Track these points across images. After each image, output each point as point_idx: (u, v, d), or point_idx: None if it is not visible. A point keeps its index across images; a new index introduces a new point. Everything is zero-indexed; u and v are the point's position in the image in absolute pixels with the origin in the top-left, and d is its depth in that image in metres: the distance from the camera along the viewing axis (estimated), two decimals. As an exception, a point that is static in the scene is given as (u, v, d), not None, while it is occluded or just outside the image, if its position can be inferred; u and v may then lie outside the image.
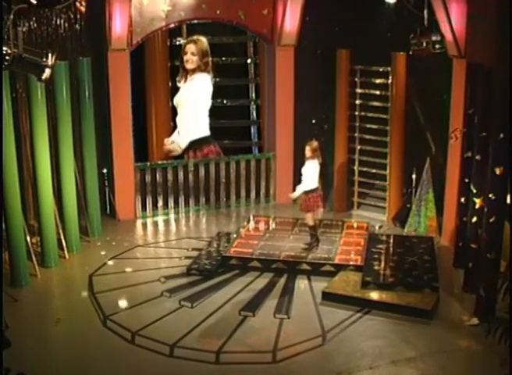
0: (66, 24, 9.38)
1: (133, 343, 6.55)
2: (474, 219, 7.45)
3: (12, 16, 6.36)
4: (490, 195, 6.80)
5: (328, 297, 7.39)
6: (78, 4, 9.02)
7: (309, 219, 8.53)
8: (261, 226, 9.55)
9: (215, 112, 10.64)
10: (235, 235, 9.17)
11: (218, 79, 10.69)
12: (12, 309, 6.99)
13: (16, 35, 6.32)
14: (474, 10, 7.74)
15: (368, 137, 10.31)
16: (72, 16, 9.38)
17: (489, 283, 6.79)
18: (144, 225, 10.23)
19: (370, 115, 10.21)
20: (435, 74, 9.44)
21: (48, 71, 6.53)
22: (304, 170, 8.41)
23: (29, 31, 8.75)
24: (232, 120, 11.56)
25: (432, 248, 8.64)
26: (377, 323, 6.93)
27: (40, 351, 6.42)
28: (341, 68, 10.18)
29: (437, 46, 8.55)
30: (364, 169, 10.49)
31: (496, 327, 6.01)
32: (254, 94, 11.64)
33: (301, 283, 7.92)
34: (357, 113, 10.33)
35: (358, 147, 10.43)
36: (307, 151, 8.37)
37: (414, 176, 9.72)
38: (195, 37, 10.43)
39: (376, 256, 8.35)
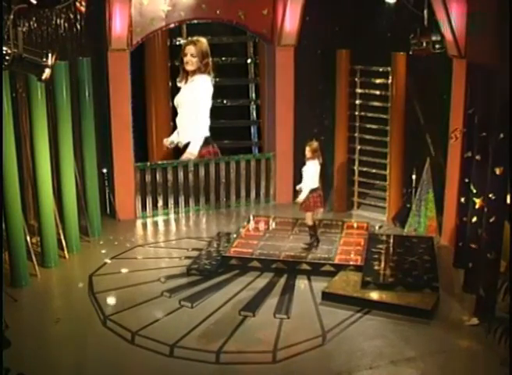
0: (66, 24, 9.38)
1: (133, 343, 6.53)
2: (474, 219, 7.44)
3: (12, 16, 6.36)
4: (490, 195, 6.79)
5: (328, 297, 7.38)
6: (78, 4, 9.01)
7: (308, 219, 8.52)
8: (261, 226, 9.53)
9: (215, 112, 10.67)
10: (235, 235, 9.16)
11: (218, 79, 10.73)
12: (12, 309, 6.98)
13: (16, 35, 6.30)
14: (475, 10, 7.74)
15: (368, 137, 10.29)
16: (72, 16, 9.38)
17: (489, 283, 6.78)
18: (144, 225, 10.22)
19: (370, 115, 10.20)
20: (435, 74, 9.42)
21: (47, 71, 6.53)
22: (304, 171, 8.41)
23: (29, 31, 8.75)
24: (232, 120, 11.57)
25: (432, 248, 8.63)
26: (377, 323, 6.92)
27: (40, 351, 6.40)
28: (341, 68, 10.16)
29: (437, 46, 8.55)
30: (364, 169, 10.47)
31: (495, 327, 6.01)
32: (254, 94, 11.65)
33: (301, 283, 7.91)
34: (357, 113, 10.31)
35: (358, 147, 10.41)
36: (308, 152, 8.36)
37: (414, 177, 9.69)
38: (195, 38, 10.47)
39: (376, 256, 8.34)
